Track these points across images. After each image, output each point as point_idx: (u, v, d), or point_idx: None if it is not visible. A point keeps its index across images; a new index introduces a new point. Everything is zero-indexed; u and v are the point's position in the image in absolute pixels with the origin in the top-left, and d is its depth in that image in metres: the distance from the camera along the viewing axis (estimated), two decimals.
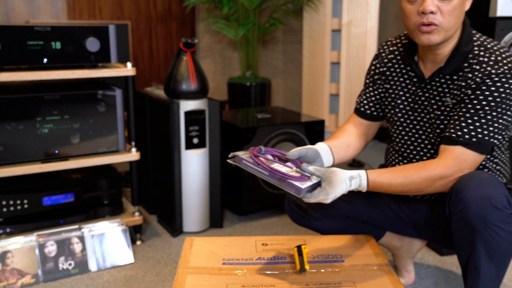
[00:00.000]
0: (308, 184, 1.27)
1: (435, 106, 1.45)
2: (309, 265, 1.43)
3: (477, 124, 1.33)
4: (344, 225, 1.67)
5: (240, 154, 1.30)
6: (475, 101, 1.34)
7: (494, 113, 1.33)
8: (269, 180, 1.27)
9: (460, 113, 1.37)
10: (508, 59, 1.35)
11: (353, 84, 3.36)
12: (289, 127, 2.33)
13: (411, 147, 1.54)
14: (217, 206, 2.24)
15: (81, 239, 1.87)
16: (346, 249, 1.54)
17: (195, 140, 2.13)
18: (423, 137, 1.50)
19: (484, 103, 1.33)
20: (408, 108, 1.52)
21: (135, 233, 2.09)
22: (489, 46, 1.39)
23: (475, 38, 1.41)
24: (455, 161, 1.33)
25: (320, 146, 1.52)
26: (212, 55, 3.93)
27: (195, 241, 1.59)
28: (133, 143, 2.03)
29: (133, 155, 2.01)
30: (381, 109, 1.63)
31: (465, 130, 1.34)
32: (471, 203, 1.27)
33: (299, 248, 1.47)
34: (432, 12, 1.32)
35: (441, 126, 1.44)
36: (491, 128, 1.33)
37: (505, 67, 1.33)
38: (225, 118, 2.43)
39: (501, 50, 1.37)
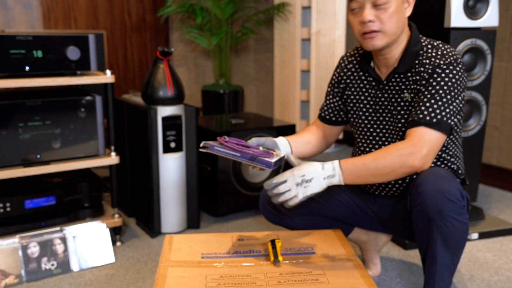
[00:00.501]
0: (276, 158, 1.42)
1: (395, 104, 1.59)
2: (282, 257, 1.54)
3: (435, 106, 1.45)
4: (315, 222, 1.79)
5: (211, 142, 1.43)
6: (430, 87, 1.48)
7: (448, 96, 1.46)
8: (241, 160, 1.41)
9: (419, 100, 1.49)
10: (452, 52, 1.51)
11: (323, 91, 3.50)
12: (261, 132, 2.45)
13: (376, 146, 1.67)
14: (194, 207, 2.33)
15: (63, 240, 1.94)
16: (317, 242, 1.66)
17: (172, 144, 2.22)
18: (386, 135, 1.64)
19: (437, 87, 1.46)
20: (370, 110, 1.66)
21: (115, 235, 2.16)
22: (435, 44, 1.54)
23: (422, 40, 1.57)
24: (420, 140, 1.43)
25: (279, 139, 1.65)
26: (186, 64, 4.03)
27: (174, 238, 1.68)
28: (112, 148, 2.11)
29: (113, 159, 2.09)
30: (340, 115, 1.77)
31: (425, 112, 1.46)
32: (429, 197, 1.40)
33: (272, 242, 1.58)
34: (371, 21, 1.47)
35: (402, 121, 1.57)
36: (447, 110, 1.46)
37: (451, 58, 1.48)
38: (201, 124, 2.53)
39: (446, 46, 1.53)
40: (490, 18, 2.12)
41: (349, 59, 1.72)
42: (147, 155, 2.21)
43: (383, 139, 1.65)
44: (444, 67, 1.47)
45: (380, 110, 1.63)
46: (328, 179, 1.41)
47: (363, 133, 1.69)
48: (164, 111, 2.19)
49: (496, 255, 2.08)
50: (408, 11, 1.54)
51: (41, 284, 1.83)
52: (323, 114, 1.79)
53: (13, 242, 1.86)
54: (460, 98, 1.49)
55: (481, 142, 2.25)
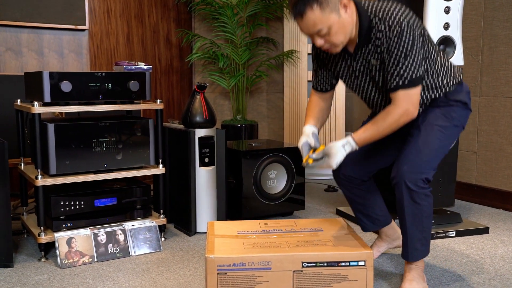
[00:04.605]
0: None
1: (367, 68, 1.96)
2: (297, 233, 2.06)
3: (402, 70, 1.82)
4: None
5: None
6: (392, 58, 1.83)
7: (409, 56, 1.80)
8: None
9: (388, 69, 1.86)
10: (396, 20, 1.79)
11: (327, 126, 4.08)
12: (276, 151, 3.00)
13: (367, 98, 2.08)
14: (222, 212, 2.85)
15: (123, 231, 2.46)
16: (324, 225, 2.17)
17: (206, 160, 2.77)
18: (369, 90, 2.03)
19: (396, 55, 1.82)
20: (348, 75, 2.06)
21: (160, 232, 2.67)
22: (381, 15, 1.83)
23: (369, 12, 1.85)
24: (403, 101, 1.83)
25: (313, 135, 2.01)
26: None
27: (215, 223, 2.20)
28: (160, 160, 2.65)
29: (160, 169, 2.64)
30: (331, 82, 2.12)
31: (397, 78, 1.83)
32: (403, 183, 1.90)
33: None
34: (322, 45, 1.85)
35: (376, 79, 1.95)
36: (412, 67, 1.81)
37: (397, 28, 1.79)
38: (228, 146, 3.08)
39: (390, 15, 1.81)
40: (457, 58, 2.71)
41: None
42: (186, 168, 2.75)
43: (368, 93, 2.04)
44: (396, 38, 1.79)
45: (357, 74, 2.02)
46: (346, 145, 1.86)
47: (353, 90, 2.11)
48: (200, 132, 2.75)
49: (468, 246, 2.58)
50: (348, 11, 1.81)
51: (109, 263, 2.34)
52: (319, 88, 2.14)
53: (86, 231, 2.39)
54: (418, 49, 1.81)
55: (455, 156, 2.78)
